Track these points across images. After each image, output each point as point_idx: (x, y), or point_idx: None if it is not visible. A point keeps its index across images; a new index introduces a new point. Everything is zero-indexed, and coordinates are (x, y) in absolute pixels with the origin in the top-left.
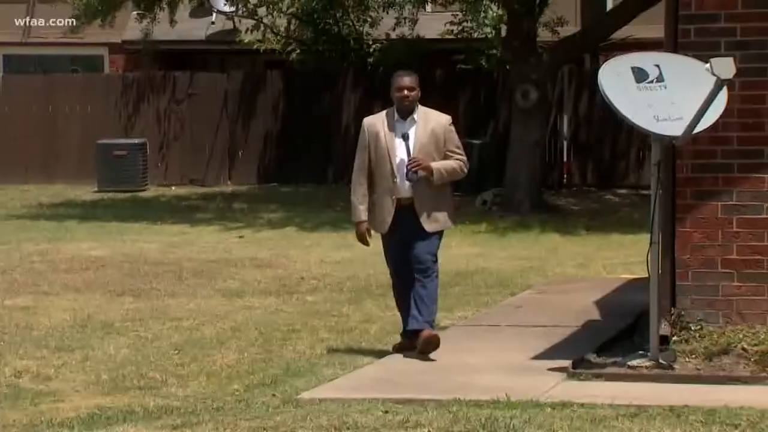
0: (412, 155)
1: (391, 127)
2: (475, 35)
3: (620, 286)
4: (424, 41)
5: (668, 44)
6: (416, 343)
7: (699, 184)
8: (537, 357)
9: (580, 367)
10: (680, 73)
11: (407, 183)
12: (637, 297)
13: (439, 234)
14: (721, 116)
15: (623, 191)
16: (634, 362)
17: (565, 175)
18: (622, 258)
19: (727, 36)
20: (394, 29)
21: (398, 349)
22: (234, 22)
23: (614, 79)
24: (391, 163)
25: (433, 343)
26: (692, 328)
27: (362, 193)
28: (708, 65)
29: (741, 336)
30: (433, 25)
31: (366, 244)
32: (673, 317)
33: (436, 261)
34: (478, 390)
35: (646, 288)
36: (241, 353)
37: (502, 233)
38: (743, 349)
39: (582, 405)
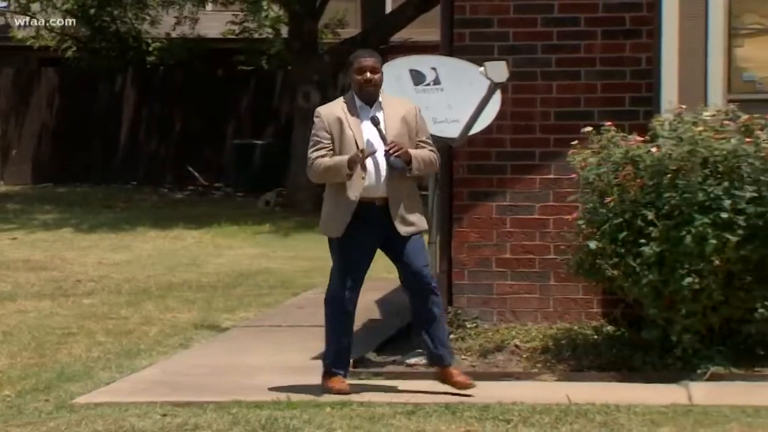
0: (388, 140)
1: (355, 114)
2: (256, 35)
3: (401, 285)
4: (206, 40)
5: (444, 47)
6: (450, 381)
7: (474, 185)
8: (318, 357)
9: (360, 367)
10: (456, 76)
11: (383, 177)
12: None
13: (422, 239)
14: (495, 119)
15: None
16: (412, 360)
17: None
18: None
19: (500, 40)
20: (174, 28)
21: (335, 388)
22: (6, 18)
23: (393, 81)
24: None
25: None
26: (468, 326)
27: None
28: (482, 69)
29: (514, 333)
30: (214, 24)
31: (363, 154)
32: (450, 315)
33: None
34: (259, 391)
35: None
36: (12, 358)
37: (285, 233)
38: (516, 346)
39: (361, 404)
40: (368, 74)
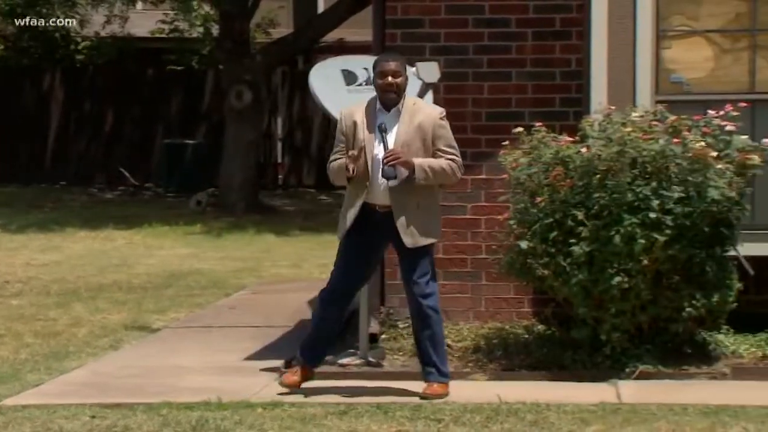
0: (389, 148)
1: (371, 119)
2: (186, 35)
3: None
4: (136, 39)
5: (376, 48)
6: (425, 392)
7: None
8: (249, 358)
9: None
10: None
11: (383, 185)
12: None
13: (427, 251)
14: None
15: (338, 192)
16: (345, 360)
17: (279, 176)
18: (335, 258)
19: (431, 41)
20: (104, 27)
21: (291, 382)
22: None
23: (324, 81)
24: (366, 160)
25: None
26: (400, 326)
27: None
28: (414, 69)
29: (446, 333)
30: (144, 23)
31: (356, 160)
32: (382, 316)
33: (432, 283)
34: (189, 392)
35: None
36: None
37: (217, 234)
38: (448, 345)
39: (293, 404)
40: (390, 78)
